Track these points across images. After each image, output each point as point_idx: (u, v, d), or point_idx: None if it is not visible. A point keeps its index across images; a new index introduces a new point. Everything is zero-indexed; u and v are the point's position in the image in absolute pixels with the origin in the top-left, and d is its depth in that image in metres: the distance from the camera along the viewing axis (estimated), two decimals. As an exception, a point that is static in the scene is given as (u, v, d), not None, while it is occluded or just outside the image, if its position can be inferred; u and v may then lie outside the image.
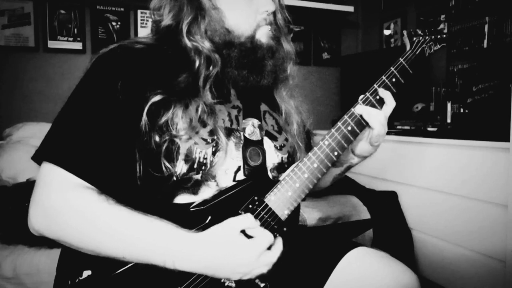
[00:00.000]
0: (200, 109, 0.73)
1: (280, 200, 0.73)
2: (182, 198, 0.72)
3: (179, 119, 0.70)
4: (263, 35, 0.80)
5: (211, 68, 0.77)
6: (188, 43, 0.77)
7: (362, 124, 0.78)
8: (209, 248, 0.64)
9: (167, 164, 0.69)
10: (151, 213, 0.65)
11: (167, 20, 0.79)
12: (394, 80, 0.79)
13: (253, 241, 0.65)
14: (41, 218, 0.65)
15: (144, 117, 0.69)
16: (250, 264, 0.64)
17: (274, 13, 0.84)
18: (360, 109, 0.77)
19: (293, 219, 0.75)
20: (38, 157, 0.68)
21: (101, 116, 0.69)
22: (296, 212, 0.76)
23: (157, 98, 0.70)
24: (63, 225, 0.64)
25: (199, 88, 0.75)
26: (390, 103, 0.78)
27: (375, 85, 0.79)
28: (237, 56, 0.78)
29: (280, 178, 0.75)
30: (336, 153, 0.76)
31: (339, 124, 0.77)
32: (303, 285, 0.78)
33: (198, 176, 0.72)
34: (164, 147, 0.69)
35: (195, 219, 0.68)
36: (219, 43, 0.79)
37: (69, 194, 0.65)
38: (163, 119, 0.70)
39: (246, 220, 0.66)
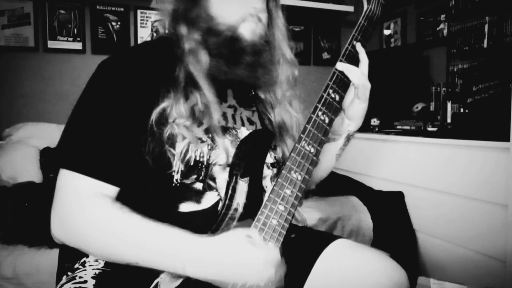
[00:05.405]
0: (199, 101, 0.74)
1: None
2: (186, 207, 0.73)
3: (180, 108, 0.71)
4: (247, 31, 0.77)
5: (199, 56, 0.76)
6: (181, 32, 0.78)
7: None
8: (220, 251, 0.63)
9: (172, 150, 0.70)
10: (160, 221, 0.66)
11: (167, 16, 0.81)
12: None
13: (261, 248, 0.64)
14: (60, 228, 0.67)
15: (154, 116, 0.70)
16: (255, 265, 0.63)
17: (270, 15, 0.84)
18: (341, 66, 0.83)
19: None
20: (58, 164, 0.69)
21: (114, 124, 0.69)
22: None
23: (164, 103, 0.71)
24: (81, 234, 0.66)
25: (195, 79, 0.75)
26: (364, 59, 0.88)
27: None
28: (215, 44, 0.77)
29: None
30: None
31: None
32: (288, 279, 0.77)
33: (197, 176, 0.72)
34: (166, 135, 0.70)
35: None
36: (203, 30, 0.78)
37: (85, 204, 0.66)
38: (165, 108, 0.71)
39: (253, 230, 0.67)
